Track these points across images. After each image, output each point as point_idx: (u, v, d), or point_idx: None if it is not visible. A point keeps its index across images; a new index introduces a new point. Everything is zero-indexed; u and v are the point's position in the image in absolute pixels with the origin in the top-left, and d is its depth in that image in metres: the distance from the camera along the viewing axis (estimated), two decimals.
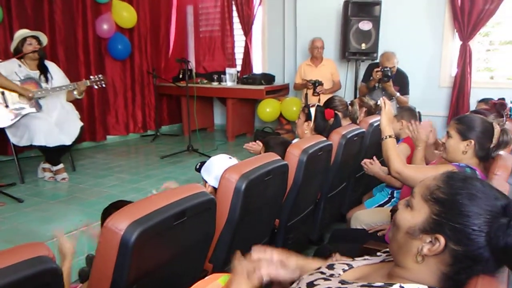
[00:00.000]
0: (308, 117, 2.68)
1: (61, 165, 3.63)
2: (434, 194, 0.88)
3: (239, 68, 6.13)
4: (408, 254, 0.90)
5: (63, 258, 1.45)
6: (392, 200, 2.66)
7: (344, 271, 1.01)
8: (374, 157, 2.54)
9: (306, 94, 4.67)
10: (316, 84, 4.46)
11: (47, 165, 3.66)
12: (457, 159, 1.81)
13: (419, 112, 3.07)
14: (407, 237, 0.90)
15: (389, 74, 4.07)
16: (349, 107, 3.15)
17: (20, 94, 3.42)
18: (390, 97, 4.18)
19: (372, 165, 2.51)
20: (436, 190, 0.89)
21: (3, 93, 3.38)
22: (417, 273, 0.89)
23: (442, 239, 0.84)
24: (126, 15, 5.18)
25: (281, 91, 5.70)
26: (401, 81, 4.29)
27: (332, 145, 2.35)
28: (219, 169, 1.87)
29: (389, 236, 0.99)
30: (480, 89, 4.59)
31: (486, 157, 1.80)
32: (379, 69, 4.12)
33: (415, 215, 0.90)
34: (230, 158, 1.99)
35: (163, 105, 6.20)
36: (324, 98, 4.53)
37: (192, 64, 5.67)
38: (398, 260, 0.93)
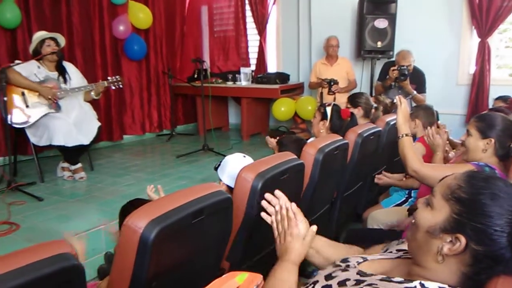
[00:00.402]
0: (324, 116, 2.67)
1: (79, 165, 3.69)
2: (455, 194, 0.87)
3: (253, 67, 6.14)
4: (428, 253, 0.89)
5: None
6: (410, 200, 2.63)
7: (359, 263, 1.01)
8: (383, 172, 2.58)
9: (321, 93, 4.66)
10: (331, 83, 4.44)
11: (66, 165, 3.72)
12: (476, 158, 1.79)
13: (436, 112, 3.03)
14: (427, 236, 0.89)
15: (406, 72, 4.02)
16: (373, 110, 3.13)
17: (40, 94, 3.49)
18: (407, 95, 4.13)
19: (382, 179, 2.54)
20: (457, 190, 0.88)
21: (23, 94, 3.46)
22: (436, 273, 0.88)
23: (463, 239, 0.83)
24: (142, 16, 5.24)
25: (296, 90, 5.69)
26: (417, 79, 4.24)
27: (348, 144, 2.34)
28: (233, 167, 1.90)
29: (407, 235, 0.98)
30: (500, 86, 4.51)
31: (506, 156, 1.77)
32: (395, 68, 4.08)
33: (435, 214, 0.89)
34: (244, 156, 2.01)
35: (179, 105, 6.25)
36: (339, 97, 4.52)
37: (207, 64, 5.71)
38: (417, 259, 0.92)
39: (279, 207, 1.15)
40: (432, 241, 0.88)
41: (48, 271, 0.86)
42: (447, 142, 2.87)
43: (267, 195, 1.15)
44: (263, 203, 1.16)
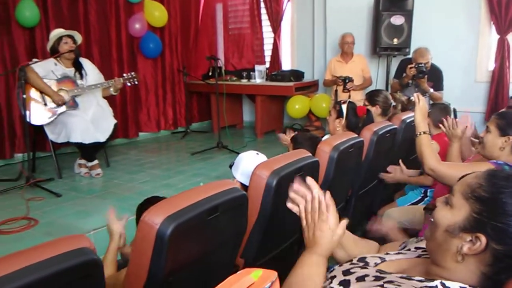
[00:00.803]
0: (339, 114, 2.66)
1: (96, 161, 3.75)
2: (475, 192, 0.86)
3: (268, 65, 6.13)
4: (447, 253, 0.88)
5: (110, 237, 1.58)
6: (425, 199, 2.60)
7: (377, 264, 1.00)
8: (389, 167, 2.54)
9: (336, 90, 4.63)
10: (346, 80, 4.41)
11: (83, 161, 3.78)
12: (494, 155, 1.76)
13: (454, 109, 2.99)
14: (446, 236, 0.88)
15: (424, 70, 3.97)
16: (391, 108, 3.10)
17: (53, 99, 3.54)
18: (424, 93, 4.08)
19: (391, 175, 2.51)
20: (477, 188, 0.86)
21: (41, 92, 3.52)
22: (455, 273, 0.87)
23: (483, 238, 0.82)
24: (158, 15, 5.28)
25: (310, 88, 5.67)
26: (435, 76, 4.18)
27: (363, 141, 2.32)
28: (245, 164, 1.91)
29: (425, 234, 0.97)
30: None
31: None
32: (413, 65, 4.02)
33: (455, 213, 0.88)
34: (257, 154, 2.02)
35: (193, 103, 6.29)
36: (354, 94, 4.49)
37: (222, 62, 5.73)
38: (436, 259, 0.91)
39: (310, 196, 1.05)
40: (451, 241, 0.87)
41: (68, 265, 0.88)
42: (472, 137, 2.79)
43: (296, 186, 1.06)
44: (291, 194, 1.09)
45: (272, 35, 6.02)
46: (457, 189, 0.91)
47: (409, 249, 1.09)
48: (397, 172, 2.54)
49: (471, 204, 0.86)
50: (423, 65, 3.98)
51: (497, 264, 0.83)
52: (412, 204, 2.62)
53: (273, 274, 1.11)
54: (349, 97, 4.18)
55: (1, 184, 3.42)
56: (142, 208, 1.43)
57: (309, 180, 1.07)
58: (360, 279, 0.91)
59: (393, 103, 3.17)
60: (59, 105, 3.56)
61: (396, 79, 4.42)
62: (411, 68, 4.02)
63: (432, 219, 0.94)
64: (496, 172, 0.89)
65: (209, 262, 1.36)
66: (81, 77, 3.75)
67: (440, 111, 2.80)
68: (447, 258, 0.88)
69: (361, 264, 1.00)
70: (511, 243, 0.81)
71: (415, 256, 1.04)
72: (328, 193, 1.09)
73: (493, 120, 1.79)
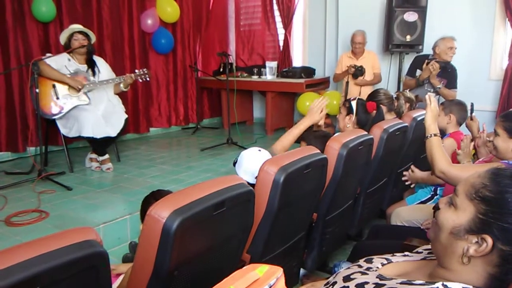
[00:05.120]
0: (349, 111, 2.64)
1: (106, 156, 3.78)
2: (480, 193, 0.84)
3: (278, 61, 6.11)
4: (452, 255, 0.86)
5: None
6: (435, 197, 2.58)
7: (383, 265, 0.99)
8: (412, 167, 2.52)
9: (347, 82, 4.62)
10: (358, 68, 4.46)
11: (94, 156, 3.82)
12: (508, 157, 1.74)
13: (472, 104, 2.94)
14: (451, 238, 0.86)
15: (443, 64, 3.99)
16: (395, 101, 3.07)
17: (70, 86, 3.59)
18: (434, 88, 4.03)
19: (413, 174, 2.50)
20: (482, 188, 0.84)
21: (54, 86, 3.56)
22: (461, 275, 0.85)
23: (489, 240, 0.81)
24: (170, 10, 5.29)
25: (321, 85, 5.64)
26: (449, 74, 4.12)
27: (373, 139, 2.31)
28: (248, 162, 1.91)
29: (430, 236, 0.95)
30: None
31: None
32: (434, 59, 4.00)
33: (459, 214, 0.86)
34: (259, 150, 2.01)
35: (204, 99, 6.30)
36: (364, 90, 4.47)
37: (233, 58, 5.72)
38: (441, 261, 0.90)
39: None
40: (456, 243, 0.85)
41: (75, 256, 0.89)
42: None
43: None
44: None
45: (283, 31, 6.00)
46: (460, 189, 0.89)
47: (417, 252, 1.08)
48: (411, 175, 2.54)
49: (476, 205, 0.84)
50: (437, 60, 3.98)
51: (505, 265, 0.81)
52: (422, 202, 2.60)
53: (278, 271, 1.10)
54: (359, 94, 4.16)
55: (14, 177, 3.47)
56: (147, 202, 1.45)
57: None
58: (360, 286, 0.90)
59: (394, 95, 3.14)
60: (79, 90, 3.59)
61: (409, 76, 4.37)
62: (431, 63, 3.95)
63: (435, 221, 0.92)
64: (500, 171, 0.87)
65: (215, 257, 1.37)
66: (94, 74, 3.78)
67: (461, 109, 2.77)
68: (453, 260, 0.86)
69: (364, 266, 0.99)
70: None
71: (420, 258, 1.03)
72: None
73: (499, 123, 1.76)
